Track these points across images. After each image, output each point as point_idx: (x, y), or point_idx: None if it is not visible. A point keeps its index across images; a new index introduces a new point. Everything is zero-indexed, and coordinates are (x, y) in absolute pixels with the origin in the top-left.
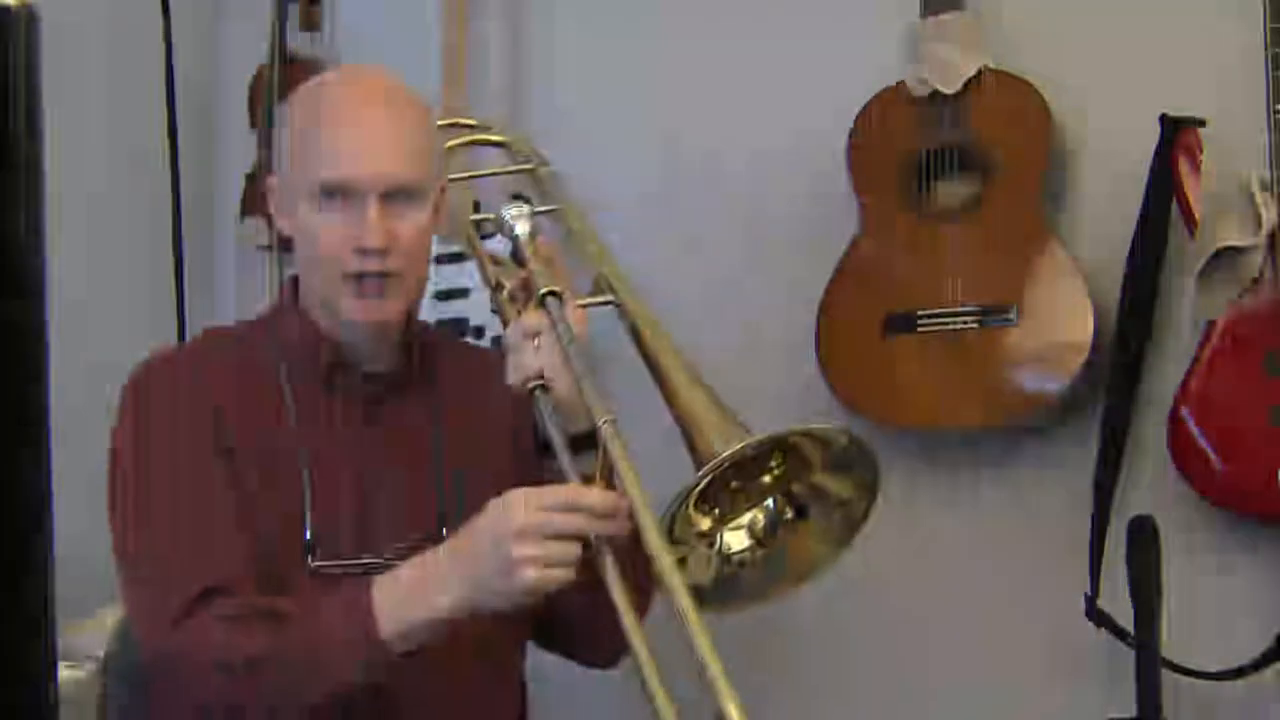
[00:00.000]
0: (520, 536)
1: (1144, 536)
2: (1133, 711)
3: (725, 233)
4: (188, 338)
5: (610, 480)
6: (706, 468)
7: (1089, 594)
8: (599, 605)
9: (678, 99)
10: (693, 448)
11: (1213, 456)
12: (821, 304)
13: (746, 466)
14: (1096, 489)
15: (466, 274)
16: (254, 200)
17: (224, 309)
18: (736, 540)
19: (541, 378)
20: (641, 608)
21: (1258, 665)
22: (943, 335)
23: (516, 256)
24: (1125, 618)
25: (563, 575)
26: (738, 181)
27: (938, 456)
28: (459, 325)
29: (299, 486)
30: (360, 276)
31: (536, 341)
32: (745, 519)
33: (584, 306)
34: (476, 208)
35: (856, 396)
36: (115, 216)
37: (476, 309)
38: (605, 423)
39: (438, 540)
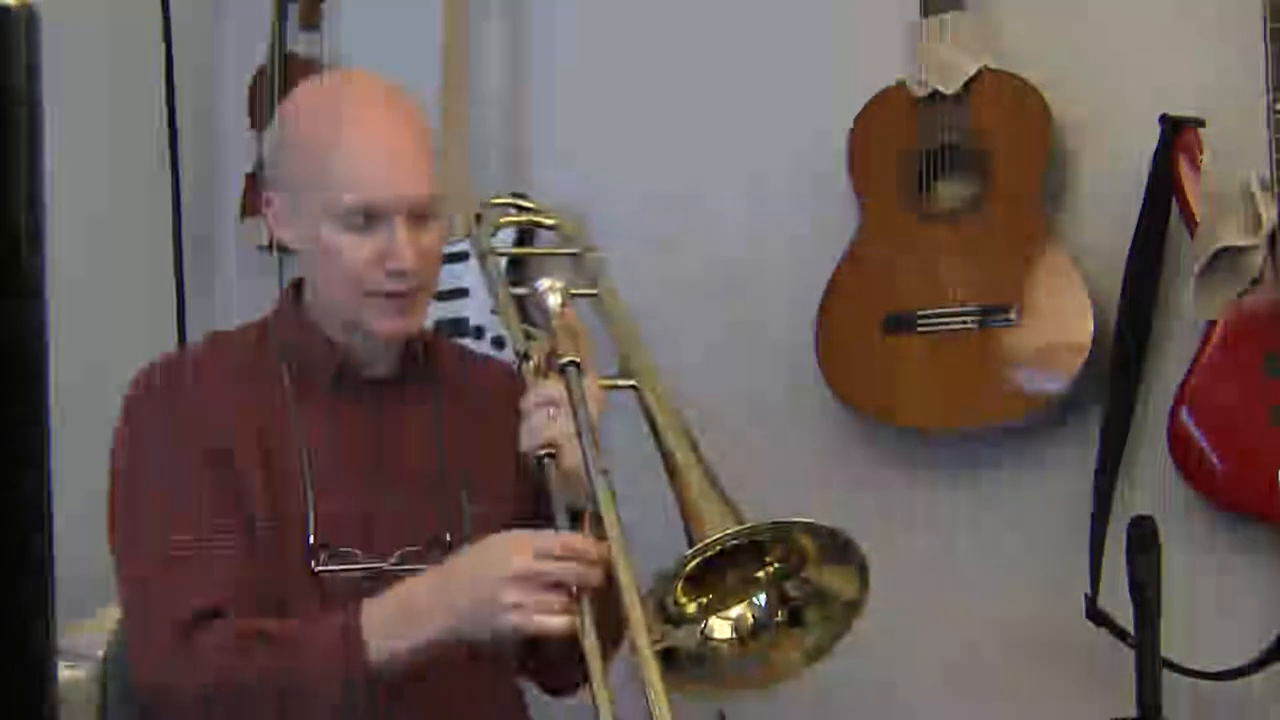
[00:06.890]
0: (514, 582)
1: (1144, 536)
2: (1133, 711)
3: (725, 233)
4: (188, 337)
5: (599, 532)
6: (685, 556)
7: (1089, 594)
8: (561, 643)
9: (677, 99)
10: (690, 541)
11: (1213, 456)
12: (821, 304)
13: (744, 558)
14: (1096, 489)
15: (466, 274)
16: (254, 200)
17: (224, 309)
18: (721, 629)
19: (550, 447)
20: (608, 649)
21: (1258, 665)
22: (943, 335)
23: (545, 326)
24: (1125, 618)
25: (546, 623)
26: (737, 181)
27: (937, 456)
28: (459, 325)
29: (302, 490)
30: (389, 294)
31: (551, 411)
32: (734, 613)
33: (605, 386)
34: (478, 220)
35: (856, 396)
36: (115, 217)
37: (476, 309)
38: (599, 475)
39: (443, 544)
